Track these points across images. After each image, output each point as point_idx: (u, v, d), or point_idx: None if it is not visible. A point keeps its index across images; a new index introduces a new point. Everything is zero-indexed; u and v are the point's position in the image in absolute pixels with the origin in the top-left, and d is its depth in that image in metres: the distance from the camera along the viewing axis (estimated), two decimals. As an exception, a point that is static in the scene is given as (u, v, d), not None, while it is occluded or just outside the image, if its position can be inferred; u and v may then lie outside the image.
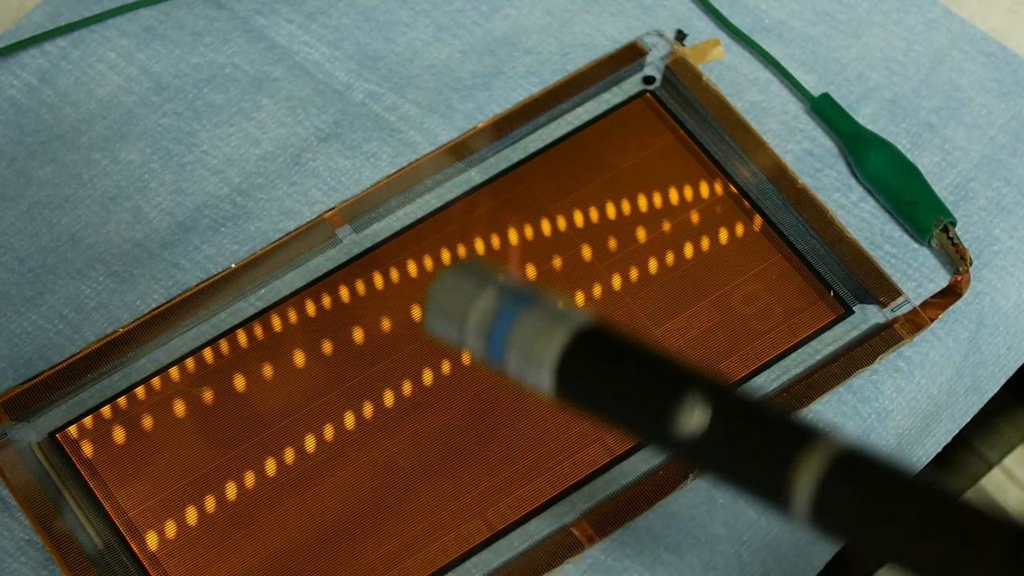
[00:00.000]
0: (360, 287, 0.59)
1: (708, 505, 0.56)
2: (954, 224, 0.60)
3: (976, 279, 0.60)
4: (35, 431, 0.57)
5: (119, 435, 0.57)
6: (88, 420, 0.57)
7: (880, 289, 0.59)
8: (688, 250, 0.60)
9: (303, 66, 0.64)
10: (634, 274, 0.59)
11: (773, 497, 0.36)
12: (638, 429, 0.37)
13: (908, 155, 0.62)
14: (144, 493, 0.56)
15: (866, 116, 0.63)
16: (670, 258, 0.60)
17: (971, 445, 0.73)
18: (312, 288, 0.59)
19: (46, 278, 0.60)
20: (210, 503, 0.56)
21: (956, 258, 0.59)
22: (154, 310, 0.59)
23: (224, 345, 0.58)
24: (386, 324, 0.58)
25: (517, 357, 0.38)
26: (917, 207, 0.60)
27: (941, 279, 0.60)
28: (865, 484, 0.36)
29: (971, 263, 0.59)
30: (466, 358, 0.58)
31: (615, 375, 0.37)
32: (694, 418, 0.36)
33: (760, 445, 0.36)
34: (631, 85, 0.63)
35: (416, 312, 0.59)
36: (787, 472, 0.36)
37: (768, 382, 0.57)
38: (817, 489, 0.36)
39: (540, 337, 0.37)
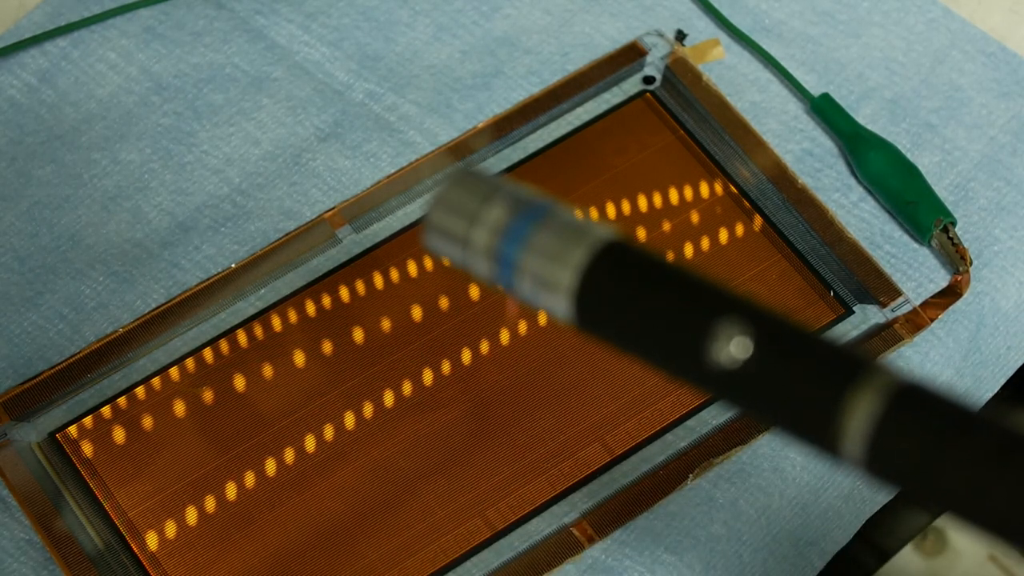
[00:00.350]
0: (360, 287, 0.59)
1: (708, 505, 0.56)
2: (954, 224, 0.60)
3: (976, 279, 0.60)
4: (35, 431, 0.57)
5: (119, 435, 0.57)
6: (88, 420, 0.57)
7: (880, 289, 0.59)
8: (688, 250, 0.60)
9: (303, 66, 0.64)
10: (634, 274, 0.59)
11: (821, 439, 0.31)
12: (668, 360, 0.32)
13: (908, 155, 0.62)
14: (144, 493, 0.56)
15: (866, 116, 0.63)
16: (670, 258, 0.60)
17: (971, 445, 0.73)
18: (312, 288, 0.59)
19: (46, 278, 0.60)
20: (210, 503, 0.56)
21: (956, 258, 0.59)
22: (154, 310, 0.59)
23: (224, 345, 0.58)
24: (386, 324, 0.58)
25: (530, 281, 0.33)
26: (917, 207, 0.60)
27: (941, 279, 0.60)
28: (928, 425, 0.31)
29: (971, 263, 0.59)
30: (467, 358, 0.58)
31: (641, 299, 0.32)
32: (732, 347, 0.31)
33: (806, 378, 0.31)
34: (631, 85, 0.63)
35: (416, 312, 0.59)
36: (837, 409, 0.31)
37: (768, 382, 0.57)
38: (872, 430, 0.31)
39: (555, 258, 0.32)
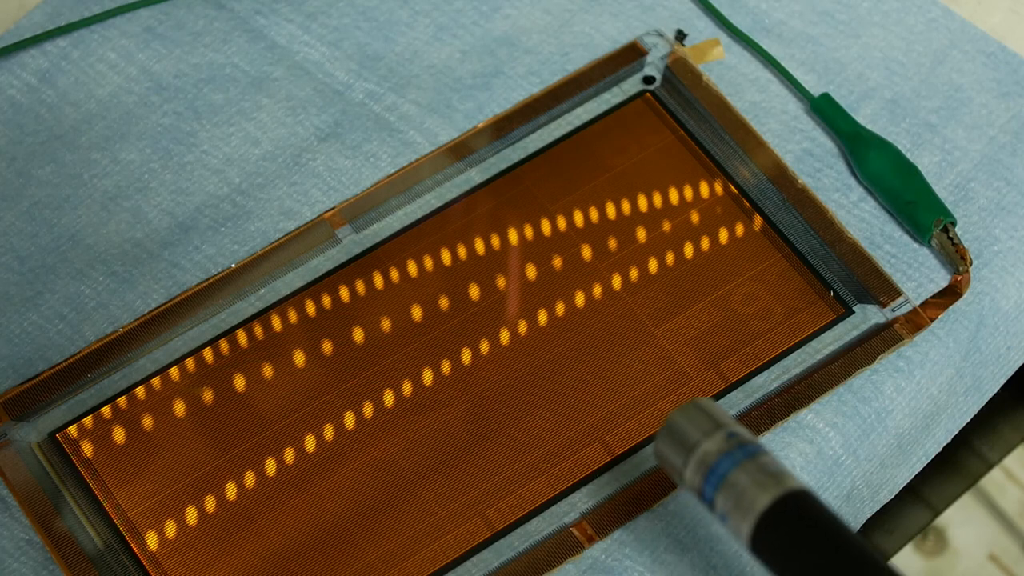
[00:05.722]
0: (360, 287, 0.59)
1: (708, 505, 0.56)
2: (954, 224, 0.60)
3: (976, 279, 0.60)
4: (35, 431, 0.57)
5: (119, 435, 0.57)
6: (88, 420, 0.57)
7: (880, 289, 0.59)
8: (688, 250, 0.60)
9: (303, 66, 0.64)
10: (634, 274, 0.59)
11: None
12: None
13: (908, 155, 0.62)
14: (144, 493, 0.56)
15: (866, 116, 0.63)
16: (670, 258, 0.60)
17: (971, 445, 0.73)
18: (312, 288, 0.59)
19: (46, 278, 0.60)
20: (210, 503, 0.56)
21: (956, 258, 0.59)
22: (154, 310, 0.59)
23: (224, 345, 0.58)
24: (386, 324, 0.58)
25: (725, 501, 0.39)
26: (917, 207, 0.60)
27: (941, 279, 0.60)
28: None
29: (971, 263, 0.59)
30: (467, 358, 0.58)
31: (804, 549, 0.38)
32: None
33: None
34: (631, 85, 0.63)
35: (416, 312, 0.59)
36: None
37: (768, 382, 0.57)
38: None
39: (750, 491, 0.39)
